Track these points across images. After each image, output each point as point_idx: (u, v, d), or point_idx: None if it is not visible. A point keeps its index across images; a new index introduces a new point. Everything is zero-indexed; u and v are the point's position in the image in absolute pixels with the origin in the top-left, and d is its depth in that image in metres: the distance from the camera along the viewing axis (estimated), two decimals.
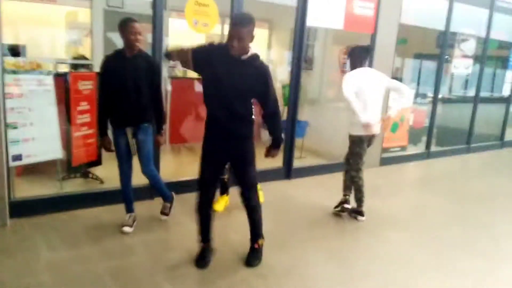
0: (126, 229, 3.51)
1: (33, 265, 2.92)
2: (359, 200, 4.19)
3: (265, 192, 4.17)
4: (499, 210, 4.87)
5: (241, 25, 2.67)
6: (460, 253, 3.64)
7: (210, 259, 3.08)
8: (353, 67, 4.14)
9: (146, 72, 3.35)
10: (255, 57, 2.82)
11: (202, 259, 3.05)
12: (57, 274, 2.82)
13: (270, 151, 3.07)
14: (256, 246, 3.16)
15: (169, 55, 3.04)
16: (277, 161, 4.39)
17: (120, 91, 3.30)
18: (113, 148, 3.44)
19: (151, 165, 3.58)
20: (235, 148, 2.93)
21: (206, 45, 2.89)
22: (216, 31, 6.93)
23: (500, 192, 5.65)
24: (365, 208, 4.22)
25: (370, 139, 4.14)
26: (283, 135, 3.06)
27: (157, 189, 3.78)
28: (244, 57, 2.76)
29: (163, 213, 3.82)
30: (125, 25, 3.22)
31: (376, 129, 4.09)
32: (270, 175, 5.04)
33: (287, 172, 5.34)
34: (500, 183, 6.12)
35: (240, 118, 2.86)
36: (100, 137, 3.50)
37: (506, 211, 4.85)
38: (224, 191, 4.19)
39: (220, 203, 4.14)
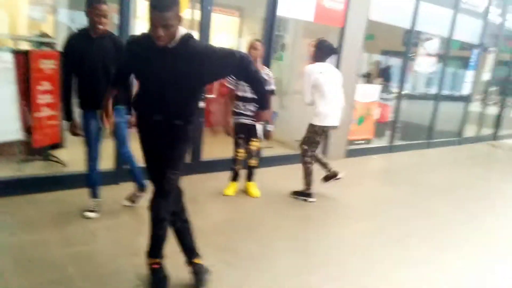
0: (90, 214, 3.43)
1: None
2: (310, 183, 4.38)
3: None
4: (455, 201, 5.10)
5: (164, 8, 2.10)
6: (416, 242, 3.79)
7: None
8: (316, 59, 4.25)
9: (114, 54, 3.24)
10: (186, 39, 2.28)
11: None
12: (15, 259, 2.73)
13: (258, 114, 2.61)
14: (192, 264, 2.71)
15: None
16: None
17: (89, 73, 3.19)
18: (80, 132, 3.33)
19: (127, 146, 3.53)
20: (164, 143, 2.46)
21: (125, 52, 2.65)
22: (186, 15, 6.82)
23: (456, 185, 5.92)
24: (328, 197, 4.35)
25: (328, 130, 4.36)
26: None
27: (134, 174, 3.68)
28: (172, 44, 2.25)
29: (130, 199, 3.75)
30: (91, 6, 3.10)
31: (336, 121, 4.30)
32: None
33: None
34: (456, 176, 6.41)
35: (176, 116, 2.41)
36: (66, 121, 3.38)
37: (461, 202, 5.09)
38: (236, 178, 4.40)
39: (230, 188, 4.35)
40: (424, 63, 7.99)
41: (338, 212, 4.31)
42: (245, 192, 4.44)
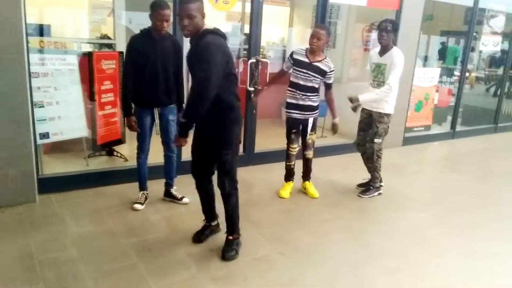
0: (137, 206, 3.58)
1: (61, 240, 3.03)
2: (380, 176, 4.22)
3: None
4: None
5: (189, 1, 2.53)
6: (481, 233, 3.59)
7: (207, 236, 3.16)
8: (394, 42, 4.08)
9: (173, 54, 3.40)
10: (204, 34, 2.59)
11: (197, 235, 3.15)
12: (84, 249, 2.93)
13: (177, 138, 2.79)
14: (230, 237, 2.98)
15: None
16: None
17: (149, 73, 3.32)
18: (137, 127, 3.48)
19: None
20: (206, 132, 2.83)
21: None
22: (237, 8, 6.87)
23: None
24: (385, 187, 4.27)
25: None
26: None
27: (170, 169, 3.76)
28: (193, 37, 2.64)
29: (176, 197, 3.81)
30: (154, 10, 3.22)
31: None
32: None
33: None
34: None
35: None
36: (125, 116, 3.56)
37: None
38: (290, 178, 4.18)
39: (286, 190, 4.12)
40: (489, 42, 7.46)
41: (396, 202, 4.18)
42: (303, 192, 4.24)
